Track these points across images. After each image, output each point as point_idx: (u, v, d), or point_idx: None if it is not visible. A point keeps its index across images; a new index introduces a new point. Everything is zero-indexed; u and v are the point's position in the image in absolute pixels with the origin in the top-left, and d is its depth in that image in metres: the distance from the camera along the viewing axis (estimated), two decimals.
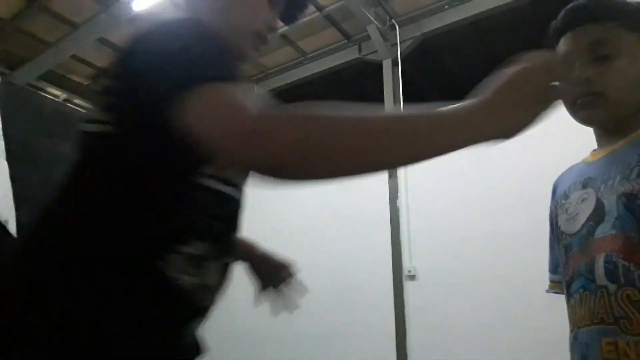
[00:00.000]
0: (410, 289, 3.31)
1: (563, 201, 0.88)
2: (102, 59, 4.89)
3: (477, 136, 0.53)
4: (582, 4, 0.82)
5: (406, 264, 3.34)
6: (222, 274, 0.72)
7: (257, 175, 0.53)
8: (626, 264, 0.69)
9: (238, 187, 0.75)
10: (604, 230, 0.74)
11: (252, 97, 0.53)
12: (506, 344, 2.73)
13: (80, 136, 0.66)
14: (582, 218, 0.79)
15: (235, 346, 4.05)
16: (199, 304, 0.68)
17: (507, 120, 0.53)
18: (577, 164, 0.91)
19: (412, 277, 3.31)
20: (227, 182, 0.71)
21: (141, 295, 0.60)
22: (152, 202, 0.63)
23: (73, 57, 4.74)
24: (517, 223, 2.89)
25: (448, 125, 0.52)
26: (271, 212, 4.28)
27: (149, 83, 0.57)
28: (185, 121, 0.51)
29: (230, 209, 0.74)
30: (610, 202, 0.74)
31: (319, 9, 4.05)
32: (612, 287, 0.70)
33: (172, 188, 0.65)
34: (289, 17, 0.90)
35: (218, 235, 0.71)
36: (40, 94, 1.84)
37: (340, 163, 0.51)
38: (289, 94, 5.19)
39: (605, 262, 0.72)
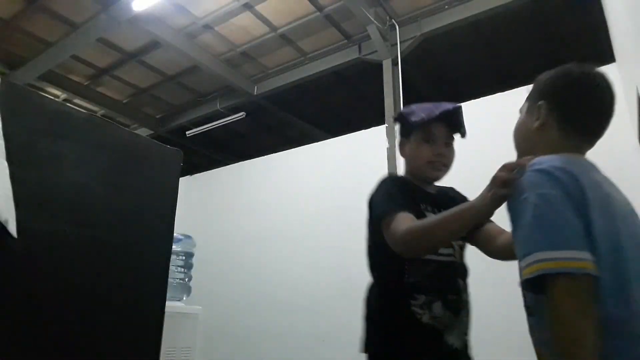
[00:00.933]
0: None
1: None
2: (102, 59, 4.90)
3: (479, 216, 1.06)
4: None
5: None
6: (448, 307, 1.23)
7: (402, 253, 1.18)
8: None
9: (436, 253, 1.26)
10: None
11: (405, 218, 1.15)
12: (506, 343, 2.73)
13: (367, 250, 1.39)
14: None
15: (236, 346, 4.05)
16: (435, 327, 1.21)
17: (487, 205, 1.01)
18: None
19: None
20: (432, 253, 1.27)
21: (407, 323, 1.22)
22: (397, 273, 1.25)
23: (73, 57, 4.74)
24: None
25: (474, 205, 1.04)
26: (272, 213, 4.28)
27: (374, 214, 1.28)
28: (383, 231, 1.19)
29: (435, 269, 1.25)
30: None
31: (319, 9, 4.05)
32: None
33: (401, 263, 1.25)
34: (461, 133, 1.39)
35: (434, 287, 1.23)
36: (40, 94, 1.84)
37: (426, 247, 1.16)
38: (289, 94, 5.20)
39: None
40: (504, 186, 0.94)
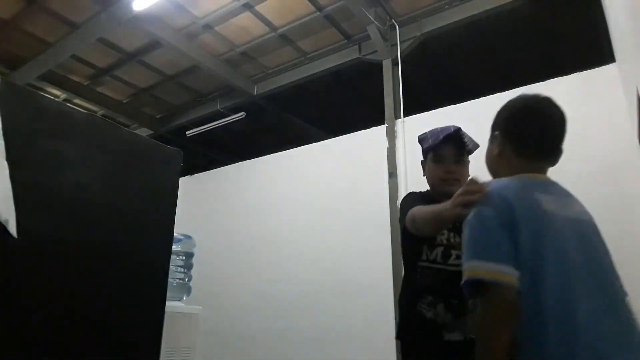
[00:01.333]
0: None
1: None
2: (102, 59, 4.90)
3: (447, 220, 1.25)
4: None
5: None
6: (450, 310, 1.42)
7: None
8: None
9: (446, 263, 1.47)
10: None
11: (417, 208, 1.38)
12: None
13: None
14: None
15: (236, 346, 4.05)
16: (437, 325, 1.42)
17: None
18: None
19: None
20: (435, 262, 1.48)
21: (413, 316, 1.47)
22: (413, 276, 1.53)
23: (73, 57, 4.74)
24: None
25: (443, 210, 1.20)
26: (272, 213, 4.28)
27: (402, 222, 1.50)
28: (406, 223, 1.45)
29: (443, 277, 1.45)
30: None
31: (319, 9, 4.05)
32: None
33: (416, 268, 1.52)
34: (467, 152, 1.57)
35: (438, 291, 1.45)
36: (40, 94, 1.84)
37: (422, 227, 1.36)
38: (289, 94, 5.20)
39: None
40: (465, 206, 1.09)
